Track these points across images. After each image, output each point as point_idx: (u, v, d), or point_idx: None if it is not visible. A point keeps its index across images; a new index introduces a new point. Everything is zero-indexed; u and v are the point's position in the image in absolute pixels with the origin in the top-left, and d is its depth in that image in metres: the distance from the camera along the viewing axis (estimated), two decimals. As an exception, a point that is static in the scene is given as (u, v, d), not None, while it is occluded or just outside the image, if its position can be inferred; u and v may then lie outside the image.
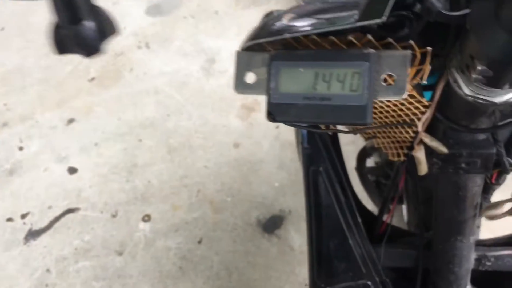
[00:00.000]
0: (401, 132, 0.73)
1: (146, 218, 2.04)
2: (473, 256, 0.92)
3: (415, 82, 0.53)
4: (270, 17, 0.60)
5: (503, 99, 0.50)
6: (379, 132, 0.81)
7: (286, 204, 1.99)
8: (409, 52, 0.50)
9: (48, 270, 1.97)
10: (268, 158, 2.15)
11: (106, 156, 2.28)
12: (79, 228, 2.06)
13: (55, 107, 2.52)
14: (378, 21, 0.47)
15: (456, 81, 0.53)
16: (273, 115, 0.54)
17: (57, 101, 2.54)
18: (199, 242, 1.94)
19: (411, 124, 0.66)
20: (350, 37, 0.52)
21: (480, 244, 0.99)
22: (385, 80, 0.51)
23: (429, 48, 0.51)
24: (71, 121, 2.45)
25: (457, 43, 0.53)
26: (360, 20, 0.49)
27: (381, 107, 0.68)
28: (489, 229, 1.81)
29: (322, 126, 0.79)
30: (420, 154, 0.72)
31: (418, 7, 0.50)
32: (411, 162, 0.77)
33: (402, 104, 0.63)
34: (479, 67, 0.45)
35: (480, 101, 0.51)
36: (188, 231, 1.98)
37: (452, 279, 0.92)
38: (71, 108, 2.50)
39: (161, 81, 2.56)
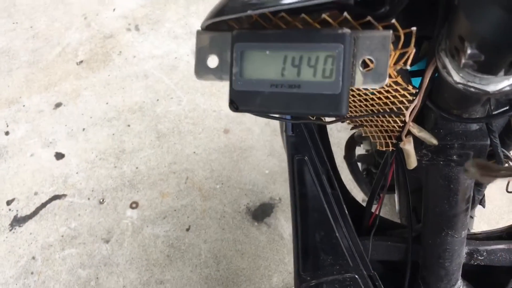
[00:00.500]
0: (388, 121, 0.68)
1: (134, 205, 2.00)
2: (464, 250, 0.89)
3: (398, 67, 0.46)
4: None
5: (497, 87, 0.44)
6: (366, 121, 0.76)
7: (276, 191, 1.95)
8: (390, 32, 0.43)
9: (33, 258, 1.93)
10: (259, 145, 2.10)
11: (93, 142, 2.23)
12: (65, 214, 2.02)
13: (43, 90, 2.45)
14: None
15: (445, 67, 0.46)
16: (235, 104, 0.48)
17: (44, 84, 2.48)
18: (187, 229, 1.90)
19: (399, 113, 0.61)
20: (325, 15, 0.44)
21: (473, 238, 0.96)
22: (363, 65, 0.44)
23: (413, 28, 0.43)
24: (58, 105, 2.39)
25: (446, 22, 0.47)
26: None
27: (366, 94, 0.62)
28: (485, 220, 1.79)
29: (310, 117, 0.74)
30: (408, 146, 0.67)
31: None
32: (400, 152, 0.72)
33: (388, 91, 0.57)
34: (469, 50, 0.38)
35: (472, 89, 0.45)
36: (176, 218, 1.94)
37: (442, 274, 0.89)
38: (59, 92, 2.44)
39: (150, 64, 2.50)
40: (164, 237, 1.89)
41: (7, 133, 2.32)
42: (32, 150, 2.24)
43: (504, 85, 0.43)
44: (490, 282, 1.00)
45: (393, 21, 0.43)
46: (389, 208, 1.84)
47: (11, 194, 2.11)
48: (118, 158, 2.15)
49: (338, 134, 2.10)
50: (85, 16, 2.74)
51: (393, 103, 0.59)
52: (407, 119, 0.60)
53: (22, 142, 2.28)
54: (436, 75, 0.51)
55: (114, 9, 2.74)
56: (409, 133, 0.65)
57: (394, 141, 0.71)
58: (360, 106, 0.68)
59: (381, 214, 1.81)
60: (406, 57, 0.45)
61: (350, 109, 0.71)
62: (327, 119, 0.75)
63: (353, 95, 0.65)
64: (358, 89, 0.62)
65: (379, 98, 0.61)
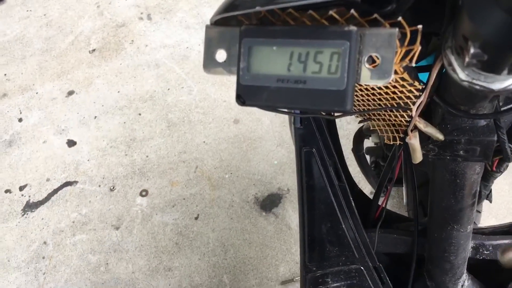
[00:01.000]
0: (396, 116, 0.67)
1: (144, 193, 2.01)
2: (470, 244, 0.88)
3: (404, 64, 0.46)
4: None
5: (502, 85, 0.43)
6: (373, 115, 0.75)
7: (285, 182, 1.95)
8: (395, 29, 0.42)
9: (45, 243, 1.95)
10: (268, 135, 2.10)
11: (105, 130, 2.24)
12: (76, 201, 2.04)
13: (55, 78, 2.47)
14: None
15: (451, 64, 0.46)
16: (242, 98, 0.48)
17: (57, 72, 2.49)
18: (196, 218, 1.91)
19: (406, 108, 0.60)
20: (332, 12, 0.44)
21: (479, 232, 0.95)
22: (369, 62, 0.44)
23: (419, 26, 0.43)
24: (71, 93, 2.40)
25: (452, 21, 0.46)
26: None
27: (373, 88, 0.62)
28: (493, 214, 1.78)
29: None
30: (414, 141, 0.66)
31: None
32: (407, 146, 0.71)
33: (394, 86, 0.57)
34: (472, 50, 0.38)
35: (477, 87, 0.44)
36: (185, 207, 1.95)
37: (447, 268, 0.88)
38: (71, 79, 2.45)
39: (162, 54, 2.50)
40: (173, 225, 1.91)
41: (20, 119, 2.34)
42: (45, 137, 2.26)
43: (509, 83, 0.43)
44: (496, 277, 1.00)
45: (400, 18, 0.43)
46: (397, 200, 1.84)
47: (24, 180, 2.14)
48: (128, 146, 2.16)
49: (348, 126, 2.09)
50: (98, 4, 2.74)
51: (400, 98, 0.59)
52: (413, 114, 0.60)
53: (35, 129, 2.29)
54: (444, 70, 0.51)
55: (126, -2, 2.74)
56: (415, 128, 0.65)
57: (401, 135, 0.70)
58: (368, 100, 0.67)
59: (388, 207, 1.81)
60: (411, 54, 0.45)
61: (357, 103, 0.71)
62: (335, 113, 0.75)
63: (360, 89, 0.64)
64: (360, 84, 0.61)
65: (386, 93, 0.60)
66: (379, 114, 0.73)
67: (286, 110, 0.65)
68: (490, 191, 1.09)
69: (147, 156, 2.12)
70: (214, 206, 1.93)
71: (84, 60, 2.52)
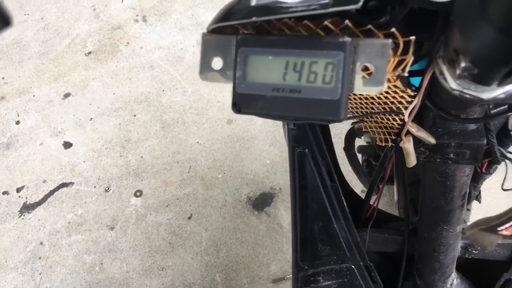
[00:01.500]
0: (388, 119, 0.67)
1: (138, 194, 1.98)
2: (459, 244, 0.87)
3: (396, 73, 0.46)
4: None
5: (492, 95, 0.42)
6: (366, 117, 0.75)
7: (277, 181, 1.92)
8: (388, 40, 0.42)
9: (41, 243, 1.92)
10: (261, 135, 2.07)
11: (100, 131, 2.21)
12: (72, 202, 2.01)
13: (52, 81, 2.44)
14: (353, 7, 0.40)
15: (442, 73, 0.45)
16: (238, 106, 0.48)
17: (54, 75, 2.46)
18: (189, 218, 1.88)
19: (398, 113, 0.60)
20: (327, 22, 0.44)
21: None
22: (362, 71, 0.44)
23: (412, 37, 0.43)
24: (67, 95, 2.37)
25: (444, 33, 0.46)
26: (334, 5, 0.42)
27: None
28: (483, 213, 1.75)
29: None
30: (408, 145, 0.66)
31: None
32: (400, 150, 0.71)
33: (387, 92, 0.57)
34: (463, 64, 0.38)
35: (467, 96, 0.44)
36: (178, 207, 1.92)
37: (437, 267, 0.87)
38: (68, 82, 2.42)
39: (157, 55, 2.47)
40: (166, 225, 1.88)
41: (17, 122, 2.31)
42: (42, 139, 2.23)
43: (498, 93, 0.42)
44: (484, 276, 0.99)
45: (393, 29, 0.43)
46: (388, 198, 1.81)
47: (21, 182, 2.11)
48: (123, 148, 2.13)
49: (340, 125, 2.05)
50: (94, 7, 2.71)
51: (392, 103, 0.59)
52: (406, 119, 0.60)
53: (32, 131, 2.27)
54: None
55: (122, 0, 2.71)
56: (408, 132, 0.65)
57: (393, 137, 0.70)
58: (361, 103, 0.67)
59: (380, 205, 1.78)
60: (404, 64, 0.45)
61: (350, 105, 0.71)
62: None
63: (354, 94, 0.64)
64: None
65: (379, 98, 0.61)
66: (371, 117, 0.73)
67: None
68: (480, 192, 1.08)
69: (141, 157, 2.09)
70: (207, 206, 1.90)
71: (81, 62, 2.49)
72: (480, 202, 1.13)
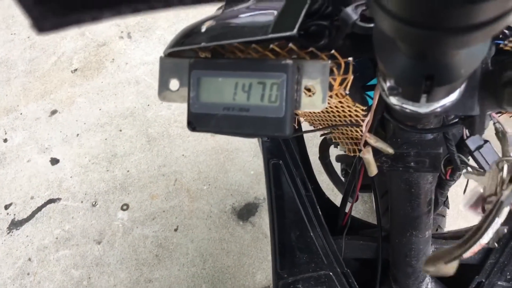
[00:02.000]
0: (351, 131, 0.70)
1: (125, 207, 1.98)
2: (431, 249, 0.88)
3: (336, 92, 0.49)
4: (192, 24, 0.55)
5: (428, 109, 0.44)
6: (332, 128, 0.77)
7: (261, 191, 1.92)
8: (328, 61, 0.46)
9: (29, 259, 1.91)
10: (245, 147, 2.08)
11: (87, 147, 2.20)
12: (59, 217, 2.00)
13: (39, 98, 2.43)
14: (289, 33, 0.43)
15: (384, 90, 0.47)
16: (193, 124, 0.50)
17: (41, 92, 2.46)
18: (175, 230, 1.88)
19: (357, 125, 0.63)
20: (273, 46, 0.47)
21: (440, 237, 0.97)
22: (306, 90, 0.47)
23: (350, 58, 0.47)
24: (54, 112, 2.37)
25: None
26: (273, 31, 0.44)
27: (329, 107, 0.64)
28: (462, 216, 1.76)
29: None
30: (368, 155, 0.68)
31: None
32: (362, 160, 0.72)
33: (343, 107, 0.60)
34: (388, 84, 0.40)
35: (407, 110, 0.46)
36: (165, 219, 1.91)
37: (410, 272, 0.89)
38: (54, 99, 2.42)
39: (142, 71, 2.47)
40: (153, 238, 1.87)
41: (5, 140, 2.30)
42: (29, 156, 2.22)
43: (434, 107, 0.44)
44: (457, 279, 0.99)
45: (333, 51, 0.46)
46: (370, 205, 1.82)
47: (9, 199, 2.10)
48: (110, 162, 2.13)
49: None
50: (79, 25, 2.71)
51: (351, 116, 0.62)
52: (363, 130, 0.62)
53: (19, 148, 2.26)
54: None
55: (107, 19, 2.72)
56: (367, 143, 0.66)
57: (360, 147, 0.72)
58: (325, 116, 0.69)
59: (361, 212, 1.79)
60: (345, 82, 0.47)
61: (316, 118, 0.74)
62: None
63: None
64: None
65: (338, 112, 0.63)
66: (337, 128, 0.75)
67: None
68: (447, 198, 1.09)
69: (128, 171, 2.09)
70: (193, 217, 1.90)
71: (67, 79, 2.49)
72: (448, 208, 1.15)
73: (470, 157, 0.76)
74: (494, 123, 0.63)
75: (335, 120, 0.68)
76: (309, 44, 0.46)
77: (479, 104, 0.49)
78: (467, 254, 0.44)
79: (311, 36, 0.47)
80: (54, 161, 2.18)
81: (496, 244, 0.86)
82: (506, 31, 0.49)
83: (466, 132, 0.72)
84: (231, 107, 0.48)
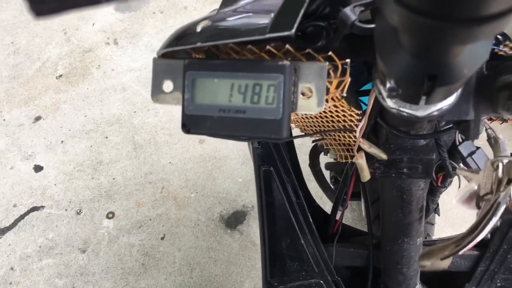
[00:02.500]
0: (345, 136, 0.69)
1: (110, 215, 1.96)
2: None
3: (334, 94, 0.48)
4: (187, 24, 0.54)
5: (426, 112, 0.45)
6: (325, 134, 0.77)
7: (249, 199, 1.92)
8: (326, 63, 0.45)
9: (12, 268, 1.88)
10: (233, 154, 2.07)
11: (72, 154, 2.18)
12: (43, 226, 1.97)
13: (23, 104, 2.40)
14: (287, 33, 0.43)
15: (380, 93, 0.47)
16: (187, 126, 0.49)
17: (24, 98, 2.43)
18: (162, 238, 1.86)
19: (350, 130, 0.62)
20: (269, 47, 0.47)
21: (430, 244, 0.96)
22: (304, 92, 0.46)
23: (348, 60, 0.46)
24: (38, 118, 2.34)
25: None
26: (270, 31, 0.44)
27: (322, 111, 0.64)
28: (449, 223, 1.78)
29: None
30: (361, 161, 0.68)
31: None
32: (355, 166, 0.73)
33: (337, 111, 0.59)
34: (388, 85, 0.40)
35: (404, 114, 0.46)
36: (151, 227, 1.90)
37: (401, 279, 0.88)
38: (38, 105, 2.39)
39: (128, 77, 2.46)
40: (139, 246, 1.85)
41: (-13, 146, 2.26)
42: (12, 163, 2.19)
43: (431, 110, 0.44)
44: (447, 286, 1.00)
45: (330, 53, 0.45)
46: (358, 213, 1.82)
47: (-9, 207, 2.06)
48: (95, 170, 2.11)
49: (309, 143, 2.07)
50: (65, 31, 2.70)
51: (344, 121, 0.62)
52: (357, 135, 0.62)
53: (2, 155, 2.22)
54: None
55: (93, 24, 2.70)
56: (360, 148, 0.67)
57: (352, 153, 0.72)
58: (318, 122, 0.69)
59: (349, 220, 1.79)
60: (343, 85, 0.47)
61: (307, 124, 0.74)
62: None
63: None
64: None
65: (332, 116, 0.63)
66: (330, 134, 0.75)
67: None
68: (438, 205, 1.10)
69: (113, 179, 2.07)
70: (180, 226, 1.88)
71: (51, 85, 2.46)
72: (439, 215, 1.15)
73: (461, 163, 0.77)
74: (486, 129, 0.64)
75: (328, 126, 0.68)
76: (306, 46, 0.46)
77: (474, 109, 0.50)
78: (463, 251, 0.45)
79: (308, 37, 0.46)
80: (38, 168, 2.15)
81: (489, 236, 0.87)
82: (500, 37, 0.49)
83: (458, 138, 0.72)
84: (227, 109, 0.48)
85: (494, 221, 0.42)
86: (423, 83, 0.33)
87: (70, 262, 1.85)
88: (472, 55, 0.32)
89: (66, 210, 2.00)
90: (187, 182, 2.01)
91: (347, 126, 0.62)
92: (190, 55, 0.53)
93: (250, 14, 0.51)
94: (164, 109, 2.29)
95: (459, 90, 0.43)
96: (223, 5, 0.55)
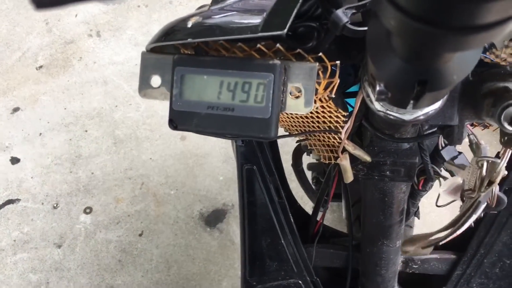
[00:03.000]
0: (329, 138, 0.70)
1: (88, 210, 1.93)
2: (400, 259, 0.90)
3: (322, 95, 0.49)
4: (177, 19, 0.54)
5: (412, 116, 0.45)
6: (309, 135, 0.78)
7: (230, 198, 1.92)
8: (316, 64, 0.45)
9: (-16, 262, 1.84)
10: (214, 152, 2.07)
11: (50, 147, 2.15)
12: (18, 219, 1.94)
13: (1, 95, 2.36)
14: (279, 32, 0.43)
15: (368, 96, 0.48)
16: (174, 122, 0.49)
17: (2, 89, 2.38)
18: (140, 235, 1.85)
19: (336, 131, 0.63)
20: (260, 45, 0.47)
21: None
22: (293, 92, 0.47)
23: (337, 62, 0.47)
24: (16, 109, 2.30)
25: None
26: (262, 30, 0.44)
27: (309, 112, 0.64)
28: (428, 226, 1.80)
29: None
30: (345, 162, 0.69)
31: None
32: (338, 167, 0.74)
33: (324, 112, 0.60)
34: (378, 88, 0.40)
35: (391, 117, 0.47)
36: (129, 223, 1.88)
37: (379, 281, 0.89)
38: (17, 96, 2.35)
39: (110, 70, 2.43)
40: (116, 242, 1.83)
41: (-38, 136, 2.22)
42: (-13, 154, 2.15)
43: (418, 114, 0.45)
44: None
45: (320, 54, 0.46)
46: (338, 215, 1.83)
47: (-35, 199, 2.02)
48: (74, 163, 2.08)
49: (292, 142, 2.08)
50: (46, 21, 2.65)
51: (330, 122, 0.62)
52: (342, 137, 0.62)
53: (-23, 146, 2.18)
54: None
55: (76, 15, 2.66)
56: (345, 150, 0.67)
57: (336, 155, 0.72)
58: (303, 122, 0.69)
59: (329, 221, 1.80)
60: (332, 86, 0.47)
61: (292, 124, 0.74)
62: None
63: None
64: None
65: (318, 117, 0.63)
66: (314, 135, 0.75)
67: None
68: (418, 208, 1.11)
69: (92, 173, 2.04)
70: (159, 223, 1.87)
71: (31, 76, 2.42)
72: (419, 218, 1.17)
73: (443, 168, 0.78)
74: (468, 135, 0.65)
75: (313, 126, 0.68)
76: (297, 46, 0.46)
77: (459, 114, 0.50)
78: (444, 241, 0.47)
79: (299, 37, 0.47)
80: (15, 160, 2.12)
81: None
82: (486, 44, 0.50)
83: (441, 142, 0.73)
84: (215, 106, 0.48)
85: (474, 218, 0.44)
86: (413, 87, 0.33)
87: (45, 257, 1.83)
88: (462, 62, 0.33)
89: (42, 204, 1.97)
90: (167, 179, 2.00)
91: (333, 127, 0.63)
92: (179, 51, 0.53)
93: (242, 12, 0.51)
94: (146, 104, 2.27)
95: (446, 96, 0.44)
96: (214, 2, 0.55)
